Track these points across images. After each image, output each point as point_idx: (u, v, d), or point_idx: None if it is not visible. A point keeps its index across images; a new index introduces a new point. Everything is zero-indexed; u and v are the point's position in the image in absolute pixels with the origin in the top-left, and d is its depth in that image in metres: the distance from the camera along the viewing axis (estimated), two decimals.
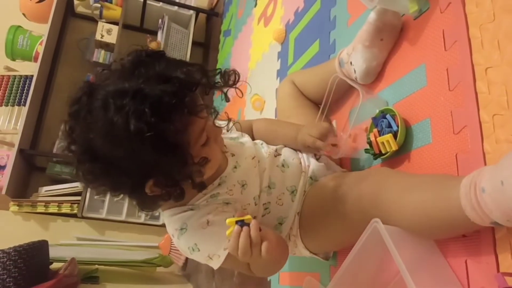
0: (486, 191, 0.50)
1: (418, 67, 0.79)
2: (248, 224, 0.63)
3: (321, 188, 0.83)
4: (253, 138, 0.93)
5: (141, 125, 0.55)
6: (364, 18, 1.01)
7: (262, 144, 0.90)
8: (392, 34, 0.85)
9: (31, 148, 2.41)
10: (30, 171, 2.49)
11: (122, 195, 0.69)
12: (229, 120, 0.76)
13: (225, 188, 0.76)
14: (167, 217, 0.75)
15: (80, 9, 2.90)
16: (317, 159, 0.91)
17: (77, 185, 2.39)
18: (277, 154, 0.88)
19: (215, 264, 0.72)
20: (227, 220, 0.64)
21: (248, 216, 0.64)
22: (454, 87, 0.69)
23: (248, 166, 0.81)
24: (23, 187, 2.41)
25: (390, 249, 0.61)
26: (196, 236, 0.71)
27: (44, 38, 2.41)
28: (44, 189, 2.38)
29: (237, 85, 0.70)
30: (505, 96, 0.59)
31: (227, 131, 0.81)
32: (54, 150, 2.48)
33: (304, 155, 0.91)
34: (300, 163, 0.88)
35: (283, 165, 0.86)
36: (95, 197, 2.37)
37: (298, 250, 0.87)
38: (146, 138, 0.56)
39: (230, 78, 0.69)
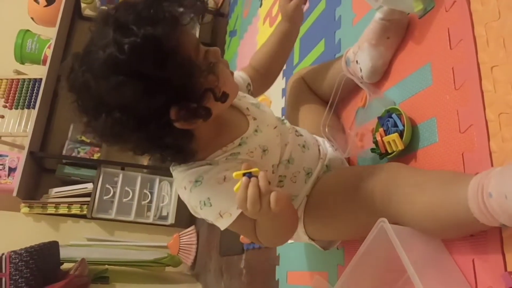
0: (493, 197, 0.50)
1: (424, 66, 0.79)
2: (256, 176, 0.60)
3: (334, 177, 0.83)
4: (258, 78, 0.95)
5: (132, 39, 0.56)
6: (369, 17, 1.01)
7: (284, 120, 0.90)
8: (399, 33, 0.85)
9: (41, 150, 2.44)
10: (40, 173, 2.52)
11: (155, 147, 0.66)
12: None
13: (246, 149, 0.75)
14: (181, 171, 0.73)
15: (87, 11, 2.93)
16: (334, 150, 0.93)
17: (86, 187, 2.42)
18: (298, 134, 0.89)
19: (224, 223, 0.70)
20: (234, 174, 0.61)
21: (256, 169, 0.61)
22: (460, 86, 0.69)
23: (270, 134, 0.80)
24: (34, 189, 2.45)
25: (397, 249, 0.61)
26: (210, 190, 0.69)
27: (52, 42, 2.44)
28: (54, 191, 2.41)
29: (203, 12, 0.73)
30: (511, 95, 0.59)
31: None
32: (64, 152, 2.51)
33: (322, 143, 0.93)
34: (319, 150, 0.90)
35: (303, 146, 0.87)
36: (104, 197, 2.40)
37: (297, 234, 0.86)
38: (143, 49, 0.56)
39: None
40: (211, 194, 0.69)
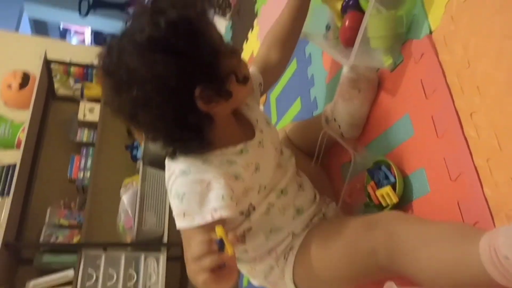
0: (510, 259, 0.49)
1: (403, 117, 0.80)
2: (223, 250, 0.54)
3: (329, 227, 0.78)
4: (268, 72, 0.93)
5: (169, 16, 0.62)
6: (341, 73, 1.04)
7: (291, 155, 0.89)
8: (370, 85, 0.87)
9: (16, 239, 2.30)
10: (17, 264, 2.37)
11: (176, 125, 0.67)
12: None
13: (244, 160, 0.73)
14: (176, 161, 0.72)
15: (61, 91, 2.94)
16: (327, 204, 0.89)
17: (67, 274, 2.27)
18: (299, 174, 0.87)
19: (182, 224, 0.67)
20: (216, 227, 0.56)
21: (231, 249, 0.55)
22: (442, 134, 0.69)
23: (270, 153, 0.80)
24: (9, 283, 2.27)
25: None
26: (190, 187, 0.68)
27: (26, 124, 2.40)
28: (32, 283, 2.25)
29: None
30: (496, 139, 0.59)
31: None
32: (41, 239, 2.38)
33: (318, 195, 0.89)
34: (315, 195, 0.87)
35: (300, 186, 0.85)
36: (87, 284, 2.24)
37: (283, 283, 0.80)
38: (178, 25, 0.62)
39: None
40: (188, 191, 0.68)
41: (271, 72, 0.93)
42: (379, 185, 0.79)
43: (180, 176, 0.69)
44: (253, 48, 1.77)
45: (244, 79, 0.71)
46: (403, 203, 0.76)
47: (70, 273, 2.26)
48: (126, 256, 2.38)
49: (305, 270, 0.78)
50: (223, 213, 0.65)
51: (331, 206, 0.89)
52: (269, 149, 0.80)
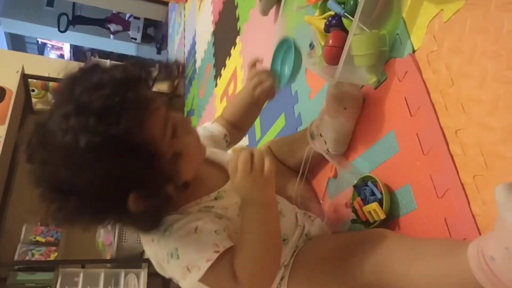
0: (496, 259, 0.48)
1: (388, 134, 0.80)
2: None
3: (316, 249, 0.77)
4: (232, 130, 0.92)
5: (90, 137, 0.52)
6: (325, 90, 1.04)
7: None
8: (355, 103, 0.88)
9: None
10: None
11: (112, 223, 0.63)
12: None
13: (221, 204, 0.70)
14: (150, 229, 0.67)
15: (39, 106, 2.87)
16: (312, 221, 0.88)
17: None
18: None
19: (193, 278, 0.61)
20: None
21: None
22: (428, 151, 0.70)
23: None
24: None
25: None
26: (179, 240, 0.63)
27: (2, 139, 2.33)
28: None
29: (179, 77, 0.68)
30: (482, 157, 0.60)
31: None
32: (16, 257, 2.30)
33: (299, 211, 0.88)
34: (296, 217, 0.84)
35: (280, 213, 0.81)
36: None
37: None
38: (100, 149, 0.53)
39: (173, 70, 0.66)
40: (179, 245, 0.63)
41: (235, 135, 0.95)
42: (365, 201, 0.79)
43: (162, 236, 0.65)
44: (236, 65, 1.78)
45: (184, 186, 0.64)
46: (390, 220, 0.76)
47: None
48: (106, 273, 2.32)
49: None
50: (226, 244, 0.62)
51: (316, 222, 0.88)
52: None
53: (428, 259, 0.58)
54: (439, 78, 0.70)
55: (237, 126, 0.94)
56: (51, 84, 2.79)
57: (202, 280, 0.62)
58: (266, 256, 0.64)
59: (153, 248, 0.67)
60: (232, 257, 0.62)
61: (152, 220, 0.65)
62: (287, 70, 0.84)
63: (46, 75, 2.75)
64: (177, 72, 0.67)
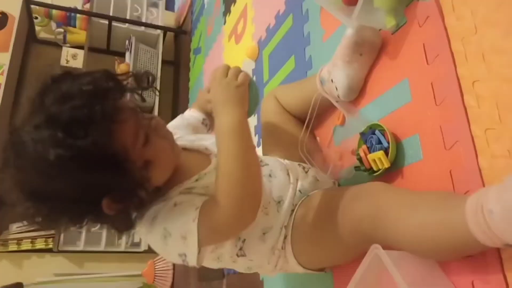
0: (494, 213, 0.48)
1: (401, 82, 0.78)
2: None
3: (314, 206, 0.79)
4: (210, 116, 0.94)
5: (59, 151, 0.55)
6: (339, 32, 1.00)
7: None
8: (372, 49, 0.84)
9: None
10: None
11: (88, 224, 0.66)
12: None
13: (201, 183, 0.72)
14: (140, 218, 0.70)
15: (42, 34, 2.81)
16: (306, 172, 0.88)
17: None
18: (264, 164, 0.85)
19: (192, 243, 0.64)
20: None
21: None
22: (441, 101, 0.68)
23: None
24: None
25: (394, 276, 0.58)
26: (164, 220, 0.66)
27: (6, 67, 2.31)
28: (15, 226, 2.26)
29: (148, 88, 0.70)
30: (496, 110, 0.58)
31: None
32: None
33: (291, 166, 0.88)
34: (288, 174, 0.85)
35: (270, 175, 0.83)
36: (71, 228, 2.27)
37: (290, 266, 0.82)
38: (70, 161, 0.55)
39: (143, 80, 0.68)
40: (166, 224, 0.66)
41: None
42: (371, 149, 0.79)
43: (152, 225, 0.67)
44: (246, 1, 1.69)
45: (155, 191, 0.66)
46: (394, 169, 0.76)
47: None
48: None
49: (303, 251, 0.79)
50: (204, 199, 0.66)
51: (309, 173, 0.88)
52: None
53: (425, 210, 0.58)
54: (462, 25, 0.66)
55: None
56: (54, 11, 2.69)
57: (200, 239, 0.64)
58: (244, 171, 0.64)
59: (151, 239, 0.69)
60: (211, 203, 0.64)
61: (126, 221, 0.69)
62: None
63: (49, 2, 2.65)
64: (147, 83, 0.68)
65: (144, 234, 0.70)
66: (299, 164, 0.90)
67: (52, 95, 0.58)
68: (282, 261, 0.81)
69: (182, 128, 0.91)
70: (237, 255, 0.77)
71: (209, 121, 0.96)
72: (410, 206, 0.61)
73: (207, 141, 0.80)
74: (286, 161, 0.90)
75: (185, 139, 0.82)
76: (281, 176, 0.83)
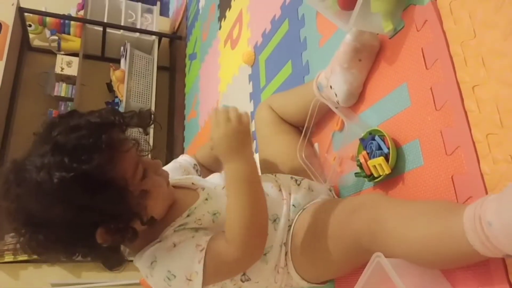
0: (493, 225, 0.47)
1: (400, 86, 0.77)
2: None
3: (310, 220, 0.78)
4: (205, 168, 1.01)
5: (63, 173, 0.57)
6: (336, 37, 1.00)
7: None
8: (371, 53, 0.83)
9: None
10: None
11: (80, 256, 0.67)
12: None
13: (193, 218, 0.74)
14: (138, 259, 0.72)
15: (36, 42, 2.80)
16: (298, 184, 0.87)
17: None
18: None
19: (197, 282, 0.65)
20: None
21: None
22: (441, 106, 0.67)
23: (221, 195, 0.78)
24: None
25: (397, 284, 0.57)
26: (166, 262, 0.67)
27: (0, 76, 2.29)
28: (10, 236, 2.23)
29: (151, 125, 0.75)
30: (497, 114, 0.58)
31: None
32: None
33: (283, 180, 0.87)
34: (280, 189, 0.84)
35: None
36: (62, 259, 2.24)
37: (294, 282, 0.81)
38: (72, 184, 0.58)
39: (145, 117, 0.72)
40: (169, 266, 0.67)
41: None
42: (371, 155, 0.78)
43: (152, 269, 0.68)
44: (241, 6, 1.69)
45: (150, 221, 0.67)
46: (395, 175, 0.75)
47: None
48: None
49: (304, 266, 0.78)
50: (206, 239, 0.68)
51: (302, 184, 0.87)
52: (218, 193, 0.79)
53: (424, 223, 0.57)
54: (460, 29, 0.65)
55: (206, 167, 1.02)
56: (48, 19, 2.68)
57: (206, 279, 0.65)
58: (253, 217, 0.67)
59: (152, 282, 0.70)
60: (217, 244, 0.67)
61: (118, 256, 0.71)
62: None
63: (43, 9, 2.64)
64: (149, 120, 0.73)
65: (146, 277, 0.70)
66: (291, 177, 0.88)
67: (60, 127, 0.62)
68: (286, 278, 0.80)
69: (174, 170, 0.94)
70: (242, 281, 0.76)
71: (199, 168, 1.00)
72: (409, 219, 0.59)
73: (191, 179, 0.84)
74: (278, 175, 0.89)
75: (173, 179, 0.83)
76: (273, 194, 0.83)
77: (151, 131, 1.65)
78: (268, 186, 0.84)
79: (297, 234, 0.79)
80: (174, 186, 0.80)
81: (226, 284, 0.76)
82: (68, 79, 2.61)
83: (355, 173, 0.82)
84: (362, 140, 0.80)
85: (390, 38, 0.81)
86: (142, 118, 0.72)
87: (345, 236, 0.67)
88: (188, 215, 0.74)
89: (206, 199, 0.78)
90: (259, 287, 0.80)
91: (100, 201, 0.60)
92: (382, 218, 0.62)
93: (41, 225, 0.60)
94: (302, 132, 0.95)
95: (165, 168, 0.94)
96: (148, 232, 0.70)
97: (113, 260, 0.71)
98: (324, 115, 0.97)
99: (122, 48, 2.77)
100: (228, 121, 0.69)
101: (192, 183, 0.81)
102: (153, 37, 2.87)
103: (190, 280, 0.65)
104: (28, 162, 0.61)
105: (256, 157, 1.01)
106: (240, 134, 0.69)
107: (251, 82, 1.51)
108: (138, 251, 0.72)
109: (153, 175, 0.70)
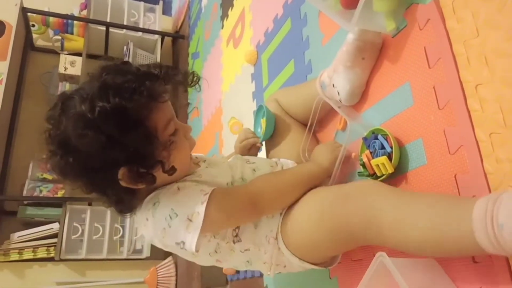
0: (505, 228, 0.47)
1: (403, 85, 0.77)
2: None
3: (303, 198, 0.79)
4: None
5: (105, 104, 0.62)
6: (338, 36, 1.00)
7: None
8: (374, 52, 0.83)
9: None
10: (0, 217, 2.35)
11: (97, 192, 0.71)
12: None
13: (194, 177, 0.78)
14: (139, 209, 0.75)
15: (40, 42, 2.80)
16: None
17: (52, 227, 2.27)
18: (249, 162, 0.88)
19: (196, 226, 0.67)
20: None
21: None
22: (444, 105, 0.67)
23: (219, 163, 0.86)
24: None
25: (400, 284, 0.57)
26: (170, 202, 0.71)
27: (4, 76, 2.30)
28: (16, 235, 2.25)
29: (193, 85, 0.79)
30: (501, 114, 0.58)
31: None
32: (24, 192, 2.35)
33: (284, 162, 0.92)
34: (272, 168, 0.89)
35: (254, 170, 0.85)
36: (73, 237, 2.26)
37: (286, 258, 0.81)
38: (110, 115, 0.62)
39: (189, 77, 0.77)
40: (173, 204, 0.70)
41: None
42: (374, 154, 0.78)
43: (155, 209, 0.71)
44: (244, 5, 1.69)
45: (171, 170, 0.71)
46: (398, 174, 0.75)
47: (55, 225, 2.27)
48: (112, 211, 2.38)
49: (294, 242, 0.78)
50: (210, 187, 0.71)
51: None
52: (217, 162, 0.86)
53: (423, 215, 0.57)
54: (463, 28, 0.65)
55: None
56: (51, 19, 2.69)
57: (205, 222, 0.67)
58: (290, 190, 0.79)
59: (149, 225, 0.72)
60: (221, 194, 0.71)
61: (131, 201, 0.73)
62: (260, 131, 1.05)
63: (46, 9, 2.65)
64: (191, 81, 0.78)
65: (144, 222, 0.73)
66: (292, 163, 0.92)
67: (111, 71, 0.68)
68: (277, 253, 0.80)
69: None
70: (233, 242, 0.78)
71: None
72: (408, 209, 0.59)
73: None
74: (284, 160, 0.93)
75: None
76: (265, 170, 0.87)
77: None
78: (261, 166, 0.87)
79: (288, 210, 0.79)
80: None
81: (220, 245, 0.79)
82: (72, 79, 2.61)
83: (358, 172, 0.82)
84: (365, 139, 0.80)
85: (392, 37, 0.81)
86: (185, 77, 0.77)
87: (337, 219, 0.67)
88: (189, 175, 0.79)
89: (207, 167, 0.83)
90: (251, 256, 0.81)
91: (129, 139, 0.64)
92: (378, 206, 0.61)
93: (74, 149, 0.64)
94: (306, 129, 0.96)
95: None
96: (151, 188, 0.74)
97: (125, 203, 0.74)
98: (327, 113, 0.97)
99: (125, 47, 2.77)
100: (331, 146, 0.87)
101: (196, 157, 0.86)
102: (156, 36, 2.87)
103: (190, 220, 0.68)
104: (76, 93, 0.67)
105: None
106: (331, 157, 0.85)
107: (253, 81, 1.51)
108: (119, 212, 0.76)
109: (182, 137, 0.75)
